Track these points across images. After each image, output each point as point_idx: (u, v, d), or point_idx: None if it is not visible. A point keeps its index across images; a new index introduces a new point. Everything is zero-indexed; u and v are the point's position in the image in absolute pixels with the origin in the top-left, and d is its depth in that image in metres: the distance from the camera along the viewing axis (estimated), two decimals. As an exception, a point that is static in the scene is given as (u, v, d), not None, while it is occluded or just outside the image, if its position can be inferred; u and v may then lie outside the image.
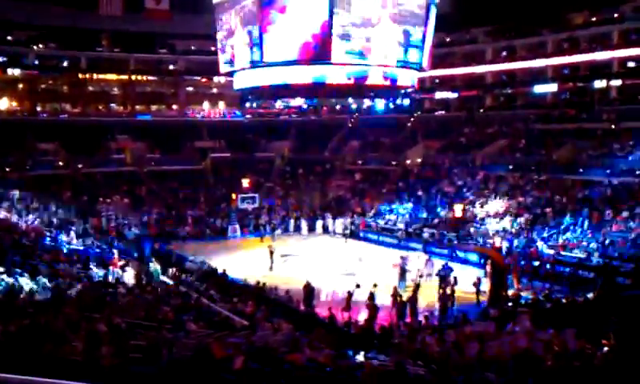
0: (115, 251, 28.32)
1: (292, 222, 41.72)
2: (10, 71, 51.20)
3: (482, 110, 51.25)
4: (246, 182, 46.81)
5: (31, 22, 47.75)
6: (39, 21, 46.72)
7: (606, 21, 43.57)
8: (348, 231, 38.83)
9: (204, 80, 57.80)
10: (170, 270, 26.98)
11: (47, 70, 52.32)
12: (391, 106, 35.72)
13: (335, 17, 26.98)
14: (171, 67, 56.88)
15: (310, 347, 12.10)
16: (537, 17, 46.17)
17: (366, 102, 34.75)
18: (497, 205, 36.20)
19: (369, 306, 20.25)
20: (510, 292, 23.33)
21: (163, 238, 36.16)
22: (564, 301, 21.36)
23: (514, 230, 31.96)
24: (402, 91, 33.41)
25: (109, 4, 43.06)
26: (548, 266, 26.55)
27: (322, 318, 19.36)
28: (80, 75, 53.21)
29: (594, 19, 44.69)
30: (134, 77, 55.04)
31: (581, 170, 36.33)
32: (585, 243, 28.09)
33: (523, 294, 23.02)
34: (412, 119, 53.80)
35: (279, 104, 37.81)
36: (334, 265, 29.81)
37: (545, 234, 30.53)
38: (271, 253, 30.39)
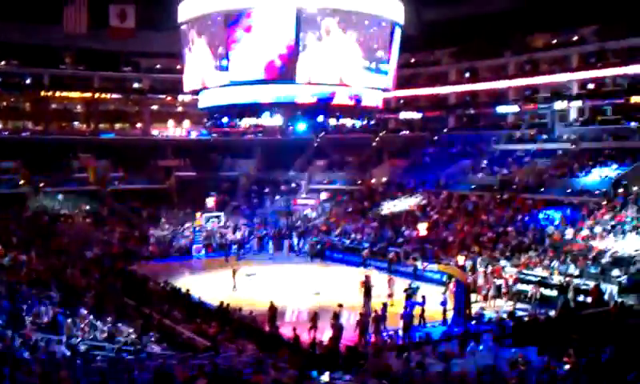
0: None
1: (256, 240, 41.47)
2: (-30, 89, 50.00)
3: (445, 130, 51.90)
4: (211, 201, 46.50)
5: (-8, 39, 46.86)
6: (1, 37, 45.79)
7: (566, 43, 44.53)
8: (314, 250, 38.73)
9: (169, 98, 57.16)
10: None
11: (9, 87, 51.22)
12: (357, 125, 35.98)
13: (301, 37, 27.23)
14: (135, 85, 56.21)
15: (274, 368, 12.03)
16: (499, 39, 47.02)
17: (332, 122, 34.90)
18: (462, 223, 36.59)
19: (333, 326, 20.19)
20: (474, 311, 23.57)
21: (125, 258, 35.50)
22: (526, 319, 21.68)
23: (477, 249, 32.25)
24: (367, 111, 33.78)
25: (73, 22, 42.43)
26: (510, 282, 26.84)
27: (287, 338, 19.25)
28: (43, 93, 52.13)
29: (554, 42, 45.65)
30: (97, 95, 54.17)
31: (542, 190, 37.02)
32: (547, 262, 28.47)
33: (486, 312, 23.27)
34: (377, 139, 54.25)
35: (245, 122, 37.60)
36: (298, 285, 29.61)
37: (507, 253, 30.87)
38: (234, 272, 30.07)
